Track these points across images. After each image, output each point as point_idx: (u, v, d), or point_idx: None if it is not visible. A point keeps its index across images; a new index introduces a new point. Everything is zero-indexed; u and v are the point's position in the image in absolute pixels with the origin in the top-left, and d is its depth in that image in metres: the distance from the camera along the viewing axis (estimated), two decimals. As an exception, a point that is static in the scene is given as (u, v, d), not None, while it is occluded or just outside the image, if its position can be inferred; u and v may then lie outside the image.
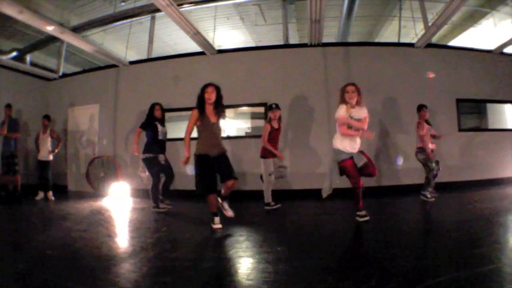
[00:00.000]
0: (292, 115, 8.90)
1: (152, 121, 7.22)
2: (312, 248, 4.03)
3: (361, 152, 5.26)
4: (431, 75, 9.37)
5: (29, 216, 6.97)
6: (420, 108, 7.32)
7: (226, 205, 5.15)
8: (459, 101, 9.49)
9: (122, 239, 4.76)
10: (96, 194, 9.61)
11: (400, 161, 7.49)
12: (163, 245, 4.26)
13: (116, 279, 3.01)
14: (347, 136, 5.12)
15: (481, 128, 10.40)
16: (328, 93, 9.03)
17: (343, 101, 5.16)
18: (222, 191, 5.15)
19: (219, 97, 5.15)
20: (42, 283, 2.93)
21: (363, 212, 5.07)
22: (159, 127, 7.21)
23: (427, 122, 7.30)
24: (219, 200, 5.14)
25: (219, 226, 4.98)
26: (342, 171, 5.22)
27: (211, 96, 5.07)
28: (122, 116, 10.15)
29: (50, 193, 8.97)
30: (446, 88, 9.38)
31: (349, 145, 5.12)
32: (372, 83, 8.86)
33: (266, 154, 6.65)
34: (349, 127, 5.09)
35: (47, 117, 9.28)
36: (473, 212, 5.76)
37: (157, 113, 7.31)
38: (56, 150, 9.19)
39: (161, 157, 7.11)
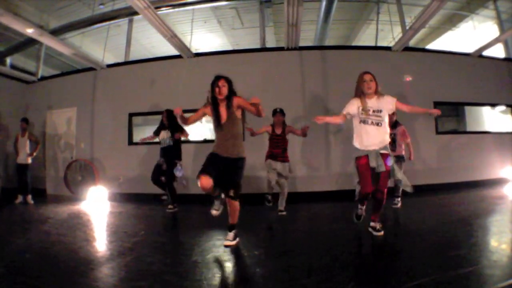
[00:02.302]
0: (268, 118, 8.90)
1: (159, 129, 7.71)
2: (289, 252, 4.04)
3: (383, 156, 4.45)
4: (408, 78, 9.39)
5: (9, 219, 6.95)
6: None
7: (231, 236, 4.32)
8: (436, 104, 9.51)
9: (100, 243, 4.74)
10: (74, 197, 9.55)
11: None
12: (140, 250, 4.24)
13: (94, 284, 3.02)
14: (360, 129, 4.54)
15: (459, 131, 10.47)
16: (304, 96, 9.08)
17: (359, 92, 4.59)
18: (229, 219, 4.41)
19: (231, 92, 4.39)
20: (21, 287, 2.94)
21: (378, 225, 4.57)
22: (161, 135, 7.58)
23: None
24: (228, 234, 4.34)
25: (215, 212, 4.47)
26: (357, 171, 4.61)
27: (222, 91, 4.31)
28: (100, 119, 10.09)
29: (29, 197, 8.87)
30: (424, 91, 9.40)
31: (365, 140, 4.48)
32: (349, 87, 8.75)
33: (266, 155, 6.81)
34: (363, 121, 4.49)
35: (25, 120, 9.20)
36: (452, 215, 5.78)
37: (164, 119, 7.60)
38: (35, 153, 9.10)
39: (163, 163, 7.44)
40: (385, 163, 4.38)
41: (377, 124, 4.44)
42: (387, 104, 4.49)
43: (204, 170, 4.11)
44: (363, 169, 4.42)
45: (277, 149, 6.71)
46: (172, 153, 7.41)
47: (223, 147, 4.31)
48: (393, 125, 6.70)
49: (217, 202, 4.48)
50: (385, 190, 4.47)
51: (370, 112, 4.46)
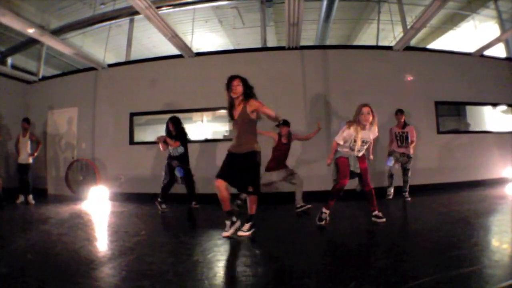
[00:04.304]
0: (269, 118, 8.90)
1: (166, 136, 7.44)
2: (291, 251, 4.04)
3: (360, 159, 5.33)
4: (410, 78, 9.39)
5: (10, 220, 6.94)
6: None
7: (246, 227, 4.80)
8: (437, 103, 9.52)
9: (101, 243, 4.74)
10: (75, 197, 9.56)
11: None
12: (141, 249, 4.24)
13: (95, 283, 3.02)
14: (347, 150, 5.31)
15: (461, 130, 10.45)
16: (305, 96, 9.08)
17: (355, 121, 5.22)
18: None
19: (247, 88, 4.66)
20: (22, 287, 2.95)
21: (327, 213, 5.31)
22: (169, 147, 7.35)
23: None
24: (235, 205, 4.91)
25: (227, 233, 4.66)
26: (336, 168, 5.39)
27: (236, 90, 4.60)
28: (101, 119, 10.11)
29: (30, 197, 8.86)
30: (425, 91, 9.42)
31: (348, 151, 5.31)
32: (350, 86, 8.93)
33: (270, 167, 6.83)
34: (351, 149, 5.25)
35: (26, 120, 9.20)
36: (453, 214, 5.76)
37: (171, 128, 7.38)
38: (36, 153, 9.10)
39: (175, 163, 7.31)
40: (360, 163, 5.31)
41: (359, 151, 5.27)
42: (373, 134, 5.34)
43: (219, 175, 4.55)
44: (344, 165, 5.24)
45: (282, 159, 6.91)
46: (184, 159, 7.41)
47: (235, 144, 4.68)
48: (403, 125, 7.57)
49: (228, 222, 4.70)
50: (370, 183, 5.33)
51: (358, 144, 5.18)
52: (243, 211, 5.83)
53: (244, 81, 4.64)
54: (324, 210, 5.29)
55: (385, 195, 7.45)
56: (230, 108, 4.72)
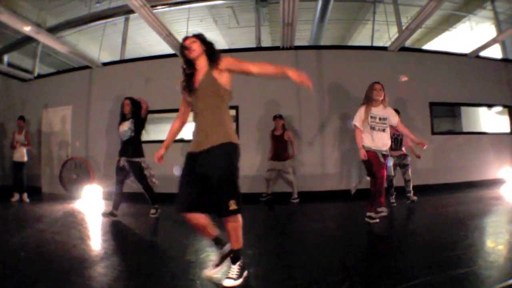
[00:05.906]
0: (263, 118, 8.91)
1: (120, 120, 6.39)
2: (282, 252, 4.02)
3: (384, 156, 5.25)
4: (404, 78, 9.38)
5: (4, 218, 6.96)
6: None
7: (235, 271, 2.91)
8: (432, 104, 9.52)
9: (94, 242, 4.72)
10: (69, 196, 9.51)
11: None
12: (134, 248, 4.25)
13: (87, 282, 3.00)
14: (369, 133, 5.25)
15: (455, 131, 10.47)
16: (299, 96, 9.06)
17: (367, 99, 5.36)
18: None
19: (206, 46, 3.11)
20: (15, 286, 2.92)
21: (383, 209, 5.49)
22: (121, 127, 6.30)
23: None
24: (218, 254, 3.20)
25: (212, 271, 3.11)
26: (367, 165, 5.29)
27: (192, 46, 3.04)
28: (95, 117, 10.07)
29: (25, 195, 8.84)
30: (419, 92, 9.41)
31: (372, 142, 5.22)
32: (344, 86, 8.92)
33: (269, 157, 8.25)
34: (372, 128, 5.23)
35: (22, 118, 9.16)
36: (448, 215, 5.78)
37: (125, 109, 6.28)
38: (25, 149, 8.95)
39: (122, 161, 6.21)
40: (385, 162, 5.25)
41: (383, 130, 5.25)
42: (392, 116, 5.35)
43: (182, 208, 2.99)
44: (376, 159, 5.17)
45: (277, 149, 8.07)
46: (132, 147, 6.20)
47: (198, 137, 3.01)
48: None
49: (217, 254, 3.22)
50: (384, 182, 5.33)
51: (377, 120, 5.25)
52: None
53: (200, 37, 3.13)
54: (379, 209, 5.40)
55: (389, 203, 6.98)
56: (188, 80, 3.10)
